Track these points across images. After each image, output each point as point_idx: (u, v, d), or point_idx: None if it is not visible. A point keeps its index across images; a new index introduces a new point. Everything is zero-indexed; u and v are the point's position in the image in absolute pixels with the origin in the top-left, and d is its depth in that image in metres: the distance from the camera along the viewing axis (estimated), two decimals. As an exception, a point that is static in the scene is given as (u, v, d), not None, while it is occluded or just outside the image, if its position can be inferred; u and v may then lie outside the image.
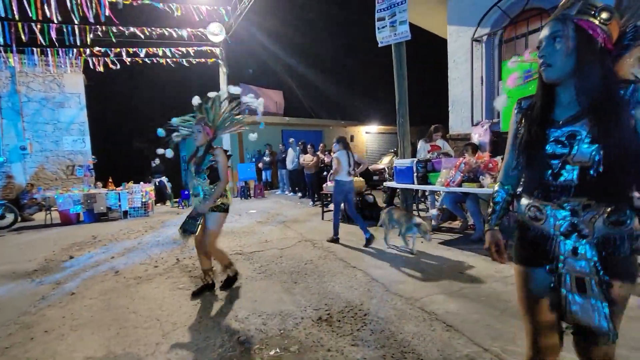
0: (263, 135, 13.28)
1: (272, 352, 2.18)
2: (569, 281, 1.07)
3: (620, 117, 0.98)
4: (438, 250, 4.24)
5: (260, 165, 11.50)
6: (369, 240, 4.57)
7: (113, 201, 7.81)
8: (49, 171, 10.70)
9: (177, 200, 9.86)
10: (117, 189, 8.18)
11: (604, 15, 1.01)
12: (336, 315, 2.63)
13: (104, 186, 8.69)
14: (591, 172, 1.01)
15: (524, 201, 1.19)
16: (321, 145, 9.43)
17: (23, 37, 7.88)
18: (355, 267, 3.74)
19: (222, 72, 11.20)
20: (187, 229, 3.00)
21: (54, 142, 10.76)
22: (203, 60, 10.64)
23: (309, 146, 9.05)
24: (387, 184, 6.24)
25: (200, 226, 3.05)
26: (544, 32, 1.10)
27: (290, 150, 9.90)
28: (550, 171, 1.08)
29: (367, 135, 18.16)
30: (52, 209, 7.84)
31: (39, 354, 2.28)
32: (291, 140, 10.00)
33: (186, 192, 9.79)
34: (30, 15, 7.26)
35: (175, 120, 3.53)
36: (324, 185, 7.06)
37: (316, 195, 8.53)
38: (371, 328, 2.41)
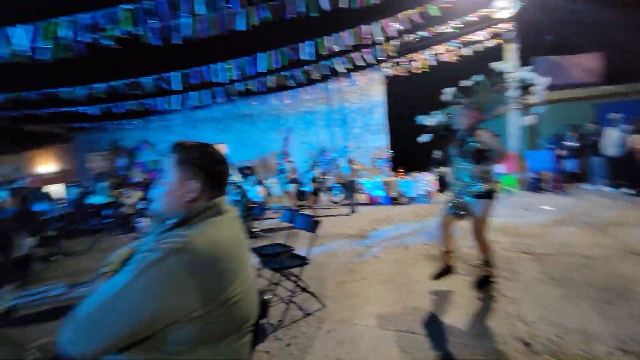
0: (564, 114, 10.75)
1: (567, 371, 1.85)
2: None
3: None
4: None
5: (559, 152, 9.33)
6: None
7: (403, 188, 9.21)
8: (359, 162, 14.20)
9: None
10: (405, 177, 9.57)
11: None
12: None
13: (397, 175, 10.41)
14: None
15: None
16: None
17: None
18: None
19: (510, 48, 10.01)
20: (456, 212, 3.19)
21: (363, 140, 14.18)
22: (491, 41, 9.94)
23: (645, 122, 6.36)
24: None
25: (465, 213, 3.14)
26: None
27: (609, 131, 7.35)
28: None
29: None
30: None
31: (359, 291, 3.22)
32: (613, 116, 7.40)
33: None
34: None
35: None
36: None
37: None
38: None
